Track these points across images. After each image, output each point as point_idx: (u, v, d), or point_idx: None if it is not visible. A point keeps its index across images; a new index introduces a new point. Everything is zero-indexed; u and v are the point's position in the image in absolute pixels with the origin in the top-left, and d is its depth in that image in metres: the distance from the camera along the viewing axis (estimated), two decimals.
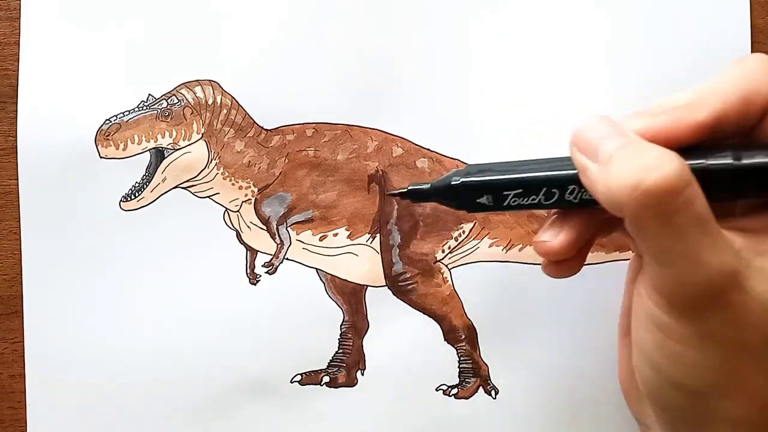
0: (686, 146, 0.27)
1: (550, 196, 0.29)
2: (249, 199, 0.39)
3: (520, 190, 0.29)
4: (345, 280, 0.40)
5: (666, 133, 0.27)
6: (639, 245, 0.27)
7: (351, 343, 0.39)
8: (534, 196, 0.29)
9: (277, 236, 0.39)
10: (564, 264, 0.31)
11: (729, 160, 0.26)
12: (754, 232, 0.27)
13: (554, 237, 0.30)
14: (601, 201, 0.27)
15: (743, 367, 0.26)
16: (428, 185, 0.31)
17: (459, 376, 0.39)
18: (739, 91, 0.27)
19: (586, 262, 0.32)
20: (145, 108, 0.39)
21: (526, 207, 0.30)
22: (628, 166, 0.25)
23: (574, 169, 0.28)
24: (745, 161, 0.26)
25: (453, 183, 0.30)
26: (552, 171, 0.29)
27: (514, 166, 0.30)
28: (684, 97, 0.28)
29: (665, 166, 0.25)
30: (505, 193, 0.30)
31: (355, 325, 0.40)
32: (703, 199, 0.25)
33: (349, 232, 0.39)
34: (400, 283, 0.39)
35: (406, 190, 0.32)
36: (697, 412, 0.28)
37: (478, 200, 0.30)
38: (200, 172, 0.39)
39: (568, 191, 0.29)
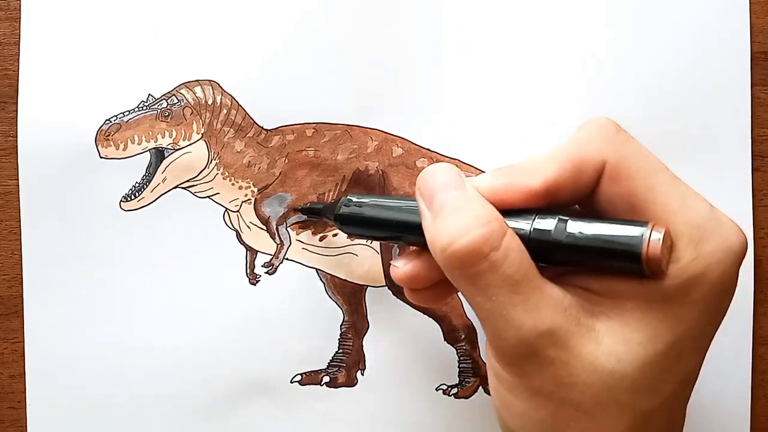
0: (532, 208, 0.27)
1: (413, 236, 0.29)
2: (249, 199, 0.39)
3: (387, 233, 0.31)
4: (345, 280, 0.40)
5: (501, 195, 0.27)
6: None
7: (351, 343, 0.39)
8: (398, 235, 0.30)
9: (276, 236, 0.39)
10: (421, 293, 0.31)
11: (542, 227, 0.26)
12: (594, 291, 0.27)
13: (403, 265, 0.30)
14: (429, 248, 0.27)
15: (573, 424, 0.26)
16: (321, 206, 0.35)
17: (459, 376, 0.39)
18: (571, 159, 0.27)
19: None
20: (145, 108, 0.39)
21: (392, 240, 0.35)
22: (445, 225, 0.26)
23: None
24: (539, 228, 0.26)
25: (337, 210, 0.32)
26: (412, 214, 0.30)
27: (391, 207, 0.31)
28: (531, 160, 0.28)
29: (472, 232, 0.25)
30: (376, 231, 0.31)
31: (355, 325, 0.39)
32: (517, 260, 0.25)
33: None
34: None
35: (308, 205, 0.37)
36: None
37: (352, 231, 0.32)
38: (200, 172, 0.39)
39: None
